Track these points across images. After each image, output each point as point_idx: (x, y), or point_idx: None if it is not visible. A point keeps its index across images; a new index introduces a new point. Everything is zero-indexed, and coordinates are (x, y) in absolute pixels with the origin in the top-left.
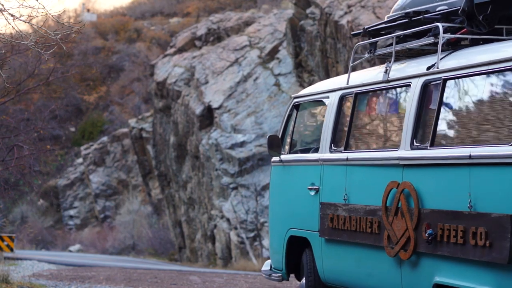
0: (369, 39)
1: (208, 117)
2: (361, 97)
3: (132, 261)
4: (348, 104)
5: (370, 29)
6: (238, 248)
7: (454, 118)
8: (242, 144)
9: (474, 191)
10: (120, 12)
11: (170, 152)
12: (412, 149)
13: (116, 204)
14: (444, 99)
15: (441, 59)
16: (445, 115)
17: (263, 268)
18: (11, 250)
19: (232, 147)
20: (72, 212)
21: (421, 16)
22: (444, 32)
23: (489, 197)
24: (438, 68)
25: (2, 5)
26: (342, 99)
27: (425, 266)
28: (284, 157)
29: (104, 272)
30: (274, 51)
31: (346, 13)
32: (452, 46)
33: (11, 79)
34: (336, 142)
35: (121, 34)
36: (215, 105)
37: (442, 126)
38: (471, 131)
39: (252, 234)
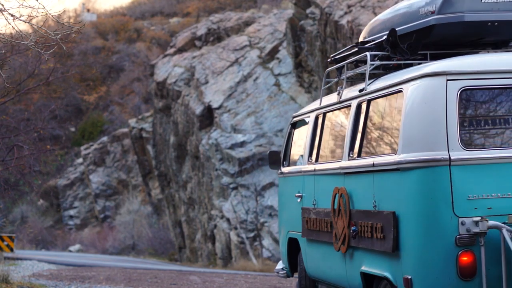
0: (335, 65)
1: (208, 117)
2: (326, 116)
3: (132, 261)
4: (319, 122)
5: (336, 56)
6: (238, 248)
7: (371, 132)
8: (242, 144)
9: (376, 193)
10: (120, 12)
11: (170, 152)
12: (348, 160)
13: (116, 204)
14: (367, 117)
15: (371, 83)
16: (367, 130)
17: (276, 267)
18: (11, 250)
19: (232, 147)
20: (72, 212)
21: (365, 46)
22: (377, 59)
23: (384, 198)
24: (366, 90)
25: (2, 5)
26: (316, 118)
27: (355, 257)
28: (283, 169)
29: (104, 272)
30: (274, 51)
31: (346, 13)
32: (391, 70)
33: (11, 79)
34: (311, 155)
35: (121, 34)
36: (215, 105)
37: (364, 140)
38: (378, 143)
39: (252, 234)
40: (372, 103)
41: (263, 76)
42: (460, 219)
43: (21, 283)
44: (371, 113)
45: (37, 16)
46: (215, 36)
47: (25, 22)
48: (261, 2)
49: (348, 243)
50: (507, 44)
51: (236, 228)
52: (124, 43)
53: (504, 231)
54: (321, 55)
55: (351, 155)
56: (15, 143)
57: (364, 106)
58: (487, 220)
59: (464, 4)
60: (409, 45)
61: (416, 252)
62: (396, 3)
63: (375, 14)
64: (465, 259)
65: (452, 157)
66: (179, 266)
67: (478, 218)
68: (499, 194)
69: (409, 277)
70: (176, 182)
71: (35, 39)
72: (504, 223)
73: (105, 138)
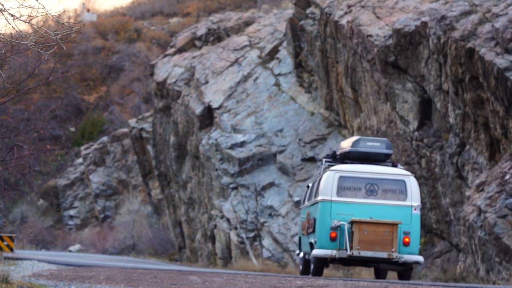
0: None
1: (208, 117)
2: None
3: (132, 261)
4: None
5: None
6: (238, 248)
7: (313, 190)
8: (242, 144)
9: (312, 211)
10: (120, 12)
11: (170, 152)
12: (309, 201)
13: (116, 204)
14: (317, 182)
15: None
16: (314, 187)
17: None
18: (11, 250)
19: (232, 147)
20: (72, 212)
21: (324, 155)
22: (327, 163)
23: (314, 213)
24: (319, 174)
25: (2, 5)
26: (313, 183)
27: (309, 237)
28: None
29: (104, 272)
30: (274, 51)
31: (346, 13)
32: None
33: (11, 79)
34: (308, 199)
35: (121, 34)
36: (215, 105)
37: (313, 192)
38: (314, 193)
39: (252, 234)
40: (319, 178)
41: (263, 76)
42: (332, 220)
43: (21, 283)
44: (318, 182)
45: (37, 16)
46: (215, 36)
47: (25, 22)
48: (261, 2)
49: (307, 231)
50: (381, 160)
51: (236, 228)
52: (124, 43)
53: (345, 225)
54: (321, 55)
55: (311, 199)
56: (15, 143)
57: (317, 179)
58: (339, 221)
59: (360, 144)
60: (341, 158)
61: (317, 232)
62: (395, 3)
63: (375, 14)
64: (333, 234)
65: (332, 199)
66: (179, 266)
67: (337, 221)
68: (348, 213)
69: (314, 240)
70: (176, 182)
71: (35, 39)
72: (348, 222)
73: (105, 138)
